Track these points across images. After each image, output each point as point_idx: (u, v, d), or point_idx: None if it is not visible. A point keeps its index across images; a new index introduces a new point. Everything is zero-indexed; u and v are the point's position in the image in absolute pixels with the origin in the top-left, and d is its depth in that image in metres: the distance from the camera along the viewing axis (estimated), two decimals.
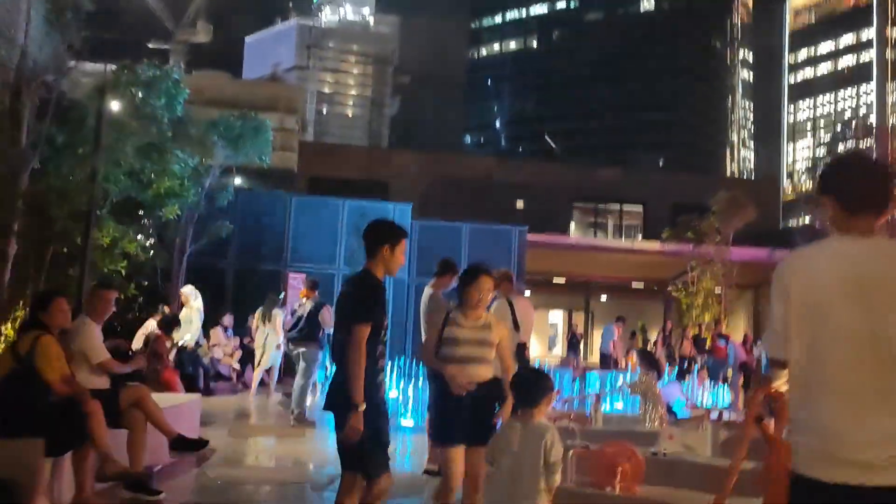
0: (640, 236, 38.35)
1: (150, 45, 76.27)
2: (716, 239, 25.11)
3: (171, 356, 11.30)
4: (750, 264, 25.29)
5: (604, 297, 40.93)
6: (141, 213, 12.98)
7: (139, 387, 5.61)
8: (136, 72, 12.48)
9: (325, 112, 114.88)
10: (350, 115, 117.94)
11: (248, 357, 14.34)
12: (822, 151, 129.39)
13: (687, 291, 25.47)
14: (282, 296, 13.60)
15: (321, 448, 8.30)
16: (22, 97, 9.80)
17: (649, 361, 8.10)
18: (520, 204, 35.09)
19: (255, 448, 8.09)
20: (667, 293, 32.47)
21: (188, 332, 11.48)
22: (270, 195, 20.44)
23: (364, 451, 3.91)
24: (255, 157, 15.35)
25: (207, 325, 13.75)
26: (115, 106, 11.35)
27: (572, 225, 40.22)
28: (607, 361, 19.93)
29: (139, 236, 12.45)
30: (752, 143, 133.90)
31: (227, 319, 14.85)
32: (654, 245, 27.47)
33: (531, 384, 3.92)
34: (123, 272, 12.02)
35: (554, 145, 55.50)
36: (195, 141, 13.07)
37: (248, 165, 20.86)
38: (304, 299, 10.41)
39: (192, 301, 11.76)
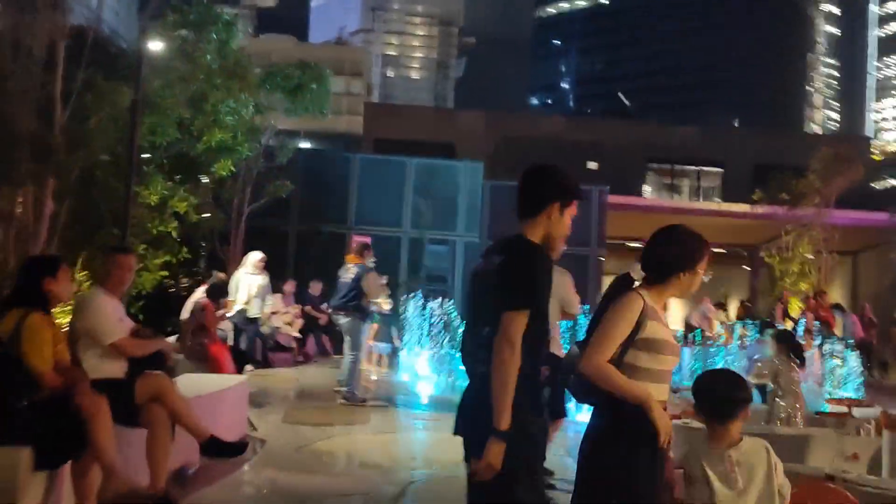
0: (718, 199, 36.35)
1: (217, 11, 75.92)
2: (815, 200, 22.94)
3: (227, 328, 10.29)
4: (850, 229, 23.10)
5: None
6: (193, 170, 11.87)
7: (160, 376, 4.40)
8: (182, 12, 11.30)
9: (390, 75, 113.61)
10: (415, 78, 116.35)
11: (310, 326, 13.26)
12: None
13: (781, 257, 23.40)
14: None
15: (394, 442, 7.09)
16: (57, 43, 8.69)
17: (792, 346, 6.50)
18: (592, 164, 33.83)
19: (312, 439, 6.90)
20: (757, 259, 30.44)
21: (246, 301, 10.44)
22: (333, 153, 19.34)
23: (501, 499, 2.65)
24: (316, 109, 14.08)
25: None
26: (158, 47, 10.20)
27: (646, 187, 38.41)
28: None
29: (191, 197, 11.32)
30: (835, 102, 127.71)
31: (289, 286, 13.79)
32: (742, 207, 25.30)
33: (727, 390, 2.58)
34: (175, 234, 10.97)
35: (627, 103, 53.00)
36: (249, 88, 11.84)
37: (311, 130, 19.76)
38: (351, 265, 9.25)
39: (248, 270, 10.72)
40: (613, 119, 55.68)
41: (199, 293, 9.07)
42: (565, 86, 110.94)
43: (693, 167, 40.47)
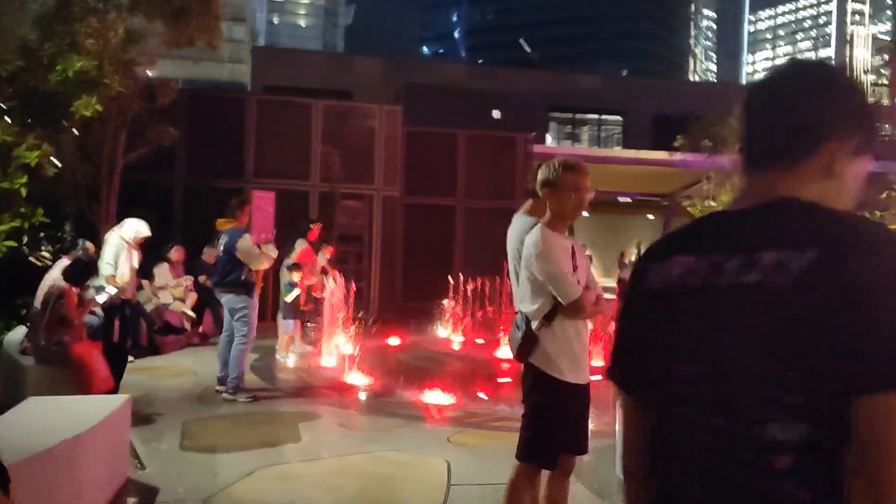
0: (618, 147, 36.03)
1: None
2: (737, 147, 22.08)
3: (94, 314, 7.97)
4: None
5: (585, 213, 38.39)
6: (47, 110, 9.27)
7: None
8: None
9: (276, 22, 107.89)
10: (303, 25, 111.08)
11: (206, 300, 11.01)
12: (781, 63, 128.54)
13: (703, 206, 22.55)
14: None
15: (345, 473, 5.14)
16: None
17: None
18: (496, 113, 32.62)
19: (226, 479, 4.88)
20: (673, 208, 29.90)
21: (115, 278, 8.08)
22: (225, 94, 16.83)
23: None
24: (204, 40, 11.63)
25: (150, 262, 10.38)
26: None
27: (548, 136, 37.59)
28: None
29: (45, 144, 8.77)
30: (713, 54, 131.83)
31: (177, 253, 11.46)
32: (659, 155, 24.25)
33: None
34: (24, 192, 8.47)
35: (529, 49, 51.56)
36: (118, 7, 9.32)
37: (192, 77, 17.16)
38: (223, 230, 7.41)
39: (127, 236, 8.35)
40: (515, 67, 54.34)
41: (56, 273, 6.76)
42: (457, 36, 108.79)
43: (594, 116, 40.30)
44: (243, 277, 7.24)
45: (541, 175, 3.51)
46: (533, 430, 3.46)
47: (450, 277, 12.64)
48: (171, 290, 10.72)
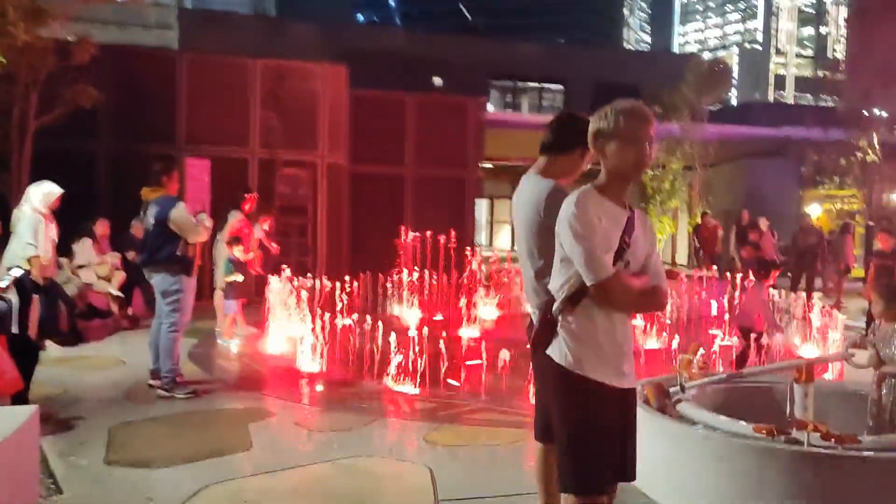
0: None
1: None
2: (685, 114, 21.74)
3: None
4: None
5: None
6: None
7: None
8: None
9: None
10: None
11: (136, 278, 9.88)
12: (711, 34, 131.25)
13: (654, 174, 22.16)
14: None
15: (315, 492, 4.31)
16: None
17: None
18: (437, 80, 32.00)
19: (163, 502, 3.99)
20: None
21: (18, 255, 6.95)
22: (153, 50, 15.50)
23: None
24: None
25: (68, 237, 9.21)
26: None
27: (489, 105, 37.09)
28: None
29: None
30: (647, 25, 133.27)
31: (101, 226, 10.30)
32: None
33: None
34: None
35: (469, 17, 50.61)
36: None
37: (114, 43, 15.93)
38: (150, 200, 6.45)
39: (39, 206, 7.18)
40: (456, 34, 53.30)
41: None
42: (392, 3, 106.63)
43: (535, 84, 39.96)
44: (178, 253, 6.25)
45: (593, 125, 2.69)
46: (572, 450, 2.68)
47: (400, 250, 11.85)
48: (95, 269, 9.59)
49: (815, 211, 24.92)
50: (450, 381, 6.88)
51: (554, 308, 2.69)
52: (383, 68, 25.54)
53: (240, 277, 8.81)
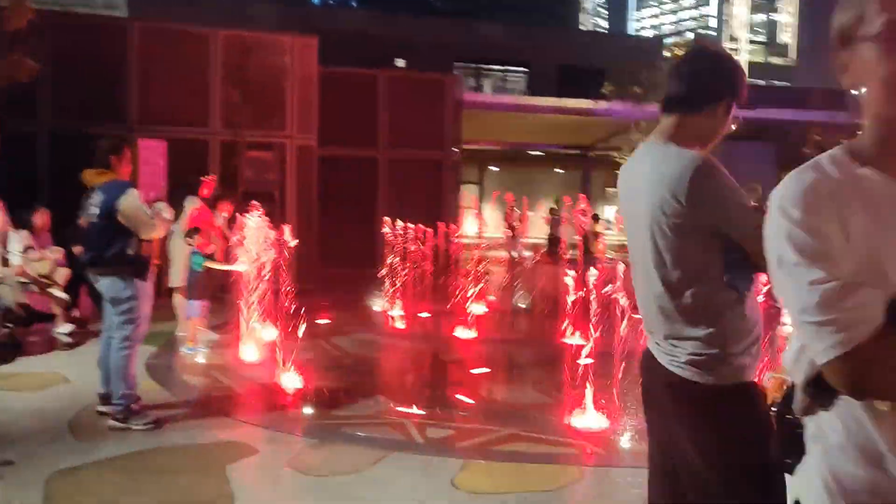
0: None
1: None
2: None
3: None
4: None
5: (495, 168, 37.12)
6: None
7: None
8: None
9: None
10: None
11: (82, 276, 8.59)
12: (666, 19, 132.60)
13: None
14: None
15: None
16: None
17: None
18: (399, 62, 31.17)
19: None
20: (592, 161, 28.72)
21: None
22: (101, 20, 14.06)
23: None
24: None
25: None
26: None
27: None
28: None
29: None
30: (603, 10, 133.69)
31: (41, 217, 8.98)
32: (584, 103, 22.80)
33: None
34: None
35: None
36: None
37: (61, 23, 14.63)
38: (95, 185, 5.26)
39: None
40: (418, 15, 52.07)
41: None
42: None
43: (499, 67, 39.29)
44: (130, 252, 5.08)
45: (836, 19, 1.50)
46: None
47: (382, 238, 10.76)
48: (34, 265, 8.30)
49: None
50: (459, 396, 5.84)
51: (794, 401, 1.39)
52: (345, 49, 24.27)
53: (221, 266, 7.62)
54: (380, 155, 14.46)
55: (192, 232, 7.79)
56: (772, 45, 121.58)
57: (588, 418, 5.11)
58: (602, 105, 21.92)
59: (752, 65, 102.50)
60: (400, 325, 9.33)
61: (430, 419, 5.28)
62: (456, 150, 15.61)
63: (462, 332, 8.63)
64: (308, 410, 5.47)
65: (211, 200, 8.29)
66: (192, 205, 8.06)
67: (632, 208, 2.38)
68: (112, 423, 4.97)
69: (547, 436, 4.93)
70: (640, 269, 2.35)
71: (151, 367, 6.69)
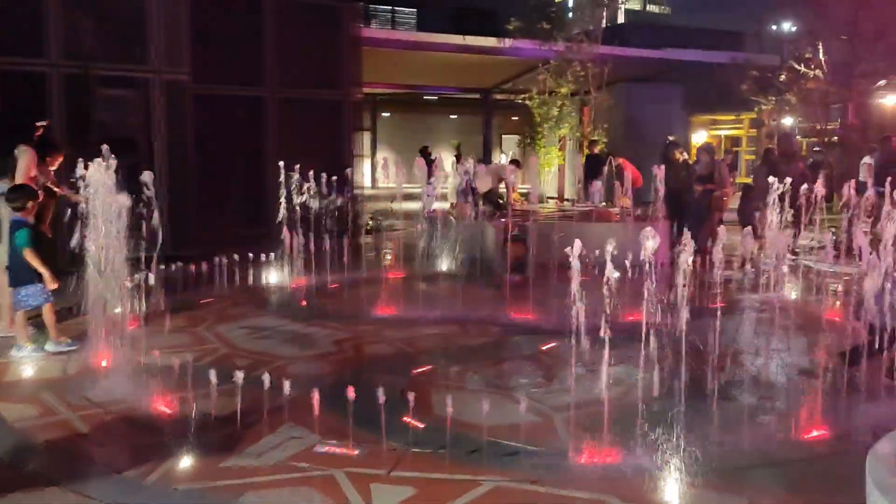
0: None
1: None
2: (575, 32, 19.43)
3: None
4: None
5: (387, 113, 35.12)
6: None
7: None
8: None
9: None
10: None
11: None
12: None
13: (542, 100, 19.84)
14: None
15: None
16: None
17: None
18: None
19: None
20: (492, 104, 27.12)
21: None
22: None
23: None
24: None
25: None
26: None
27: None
28: None
29: None
30: None
31: None
32: (488, 41, 20.96)
33: None
34: None
35: None
36: None
37: None
38: None
39: None
40: None
41: None
42: None
43: (386, 7, 37.29)
44: None
45: None
46: None
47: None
48: None
49: (700, 138, 23.75)
50: (407, 419, 4.07)
51: None
52: None
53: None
54: (268, 94, 12.27)
55: (19, 192, 5.69)
56: None
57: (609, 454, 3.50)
58: (508, 43, 20.20)
59: (629, 12, 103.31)
60: (305, 302, 7.47)
61: (371, 465, 3.55)
62: (358, 88, 13.62)
63: (388, 310, 6.89)
64: (183, 461, 3.60)
65: (39, 150, 6.13)
66: (25, 156, 5.98)
67: None
68: None
69: (549, 488, 3.29)
70: None
71: None
